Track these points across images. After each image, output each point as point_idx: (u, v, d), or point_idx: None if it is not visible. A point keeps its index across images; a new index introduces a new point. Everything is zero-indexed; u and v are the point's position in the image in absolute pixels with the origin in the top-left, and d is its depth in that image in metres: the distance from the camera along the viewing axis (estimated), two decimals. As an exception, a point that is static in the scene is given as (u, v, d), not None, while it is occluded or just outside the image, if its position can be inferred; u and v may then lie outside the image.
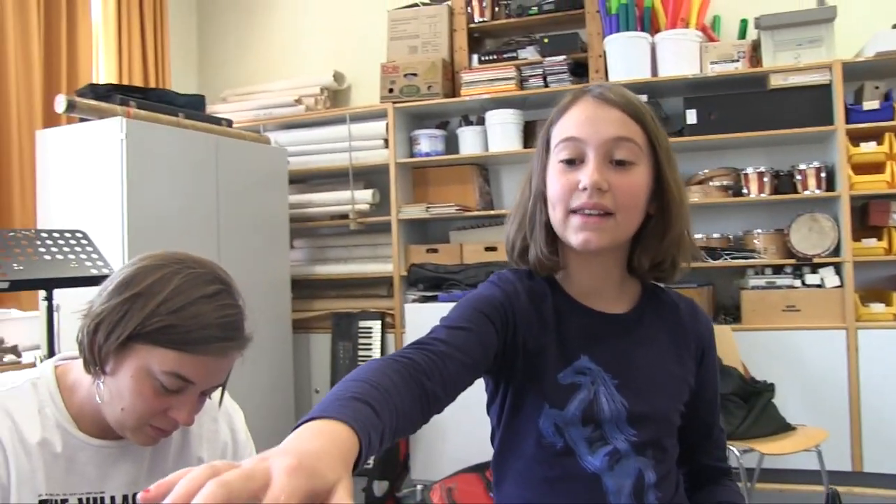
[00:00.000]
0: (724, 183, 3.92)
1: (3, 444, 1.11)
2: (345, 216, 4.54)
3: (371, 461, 4.05)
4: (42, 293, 2.53)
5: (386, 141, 4.44)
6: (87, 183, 3.28)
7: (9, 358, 3.34)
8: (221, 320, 1.11)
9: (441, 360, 1.03)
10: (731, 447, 2.98)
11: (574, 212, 1.16)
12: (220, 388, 1.26)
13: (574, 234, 1.16)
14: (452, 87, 4.43)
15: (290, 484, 0.61)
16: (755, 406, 3.17)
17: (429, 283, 4.14)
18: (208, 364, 1.13)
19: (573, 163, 1.17)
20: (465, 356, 1.07)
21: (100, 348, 1.10)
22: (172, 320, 1.08)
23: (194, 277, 1.12)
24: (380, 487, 3.72)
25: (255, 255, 3.98)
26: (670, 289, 1.36)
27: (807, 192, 3.76)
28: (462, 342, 1.08)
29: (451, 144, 4.49)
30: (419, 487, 3.76)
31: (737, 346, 3.43)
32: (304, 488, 0.61)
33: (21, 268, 2.51)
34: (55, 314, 2.55)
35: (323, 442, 0.72)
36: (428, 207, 4.35)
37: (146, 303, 1.08)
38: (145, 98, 3.58)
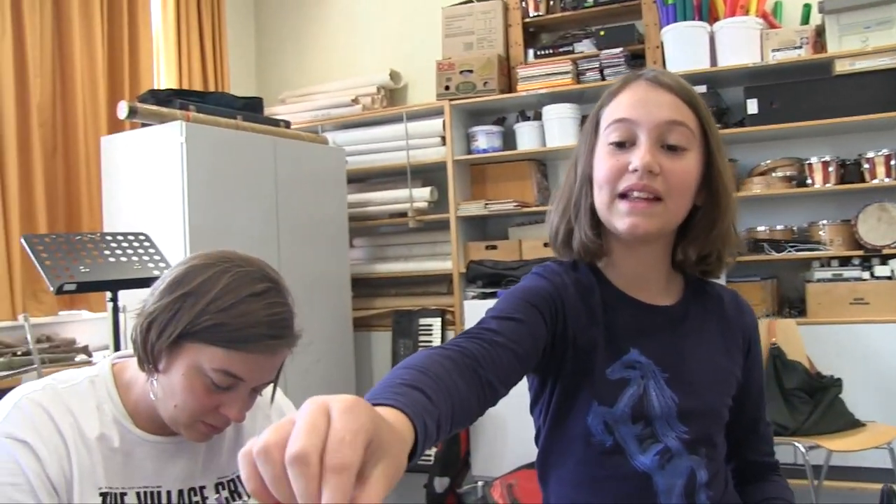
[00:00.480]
0: (788, 173, 3.82)
1: (64, 439, 1.14)
2: (403, 214, 4.56)
3: (431, 457, 4.07)
4: (108, 294, 2.61)
5: (443, 138, 4.46)
6: (149, 186, 3.37)
7: (80, 357, 3.46)
8: (270, 318, 1.12)
9: (493, 349, 1.01)
10: (795, 443, 2.92)
11: (622, 196, 1.13)
12: (272, 385, 1.28)
13: (620, 220, 1.13)
14: (508, 82, 4.41)
15: (352, 425, 0.55)
16: (821, 401, 3.09)
17: (488, 279, 4.14)
18: (258, 361, 1.14)
19: (623, 145, 1.14)
20: (518, 347, 1.05)
21: (152, 346, 1.13)
22: (221, 318, 1.09)
23: (243, 276, 1.13)
24: (441, 484, 3.74)
25: (315, 254, 4.04)
26: (712, 281, 1.33)
27: (875, 181, 3.63)
28: (513, 333, 1.06)
29: (509, 140, 4.48)
30: (480, 484, 3.76)
31: (802, 340, 3.34)
32: (365, 428, 0.56)
33: (87, 270, 2.59)
34: (121, 315, 2.63)
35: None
36: (486, 204, 4.35)
37: (196, 302, 1.10)
38: (204, 102, 3.66)
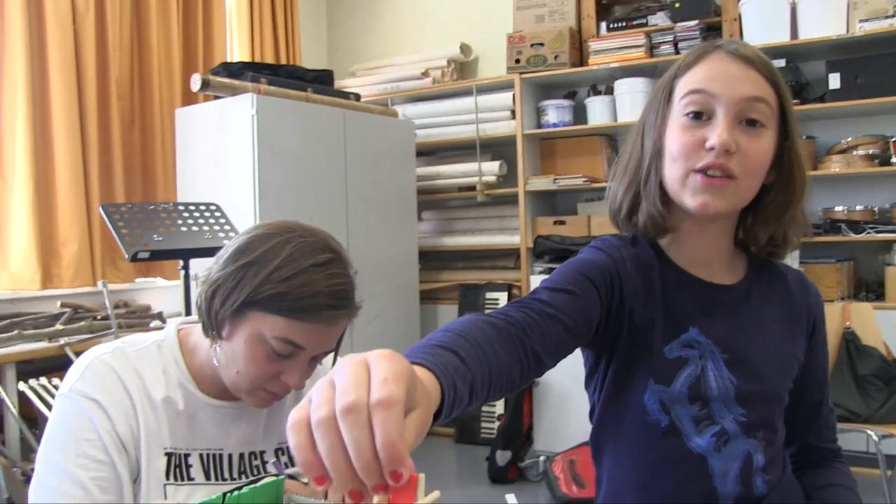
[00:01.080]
0: (870, 151, 3.66)
1: (132, 400, 1.19)
2: (472, 188, 4.56)
3: (494, 430, 4.09)
4: (180, 263, 2.69)
5: (513, 112, 4.43)
6: (221, 157, 3.44)
7: (155, 324, 3.57)
8: (330, 289, 1.13)
9: (542, 319, 0.99)
10: (868, 431, 2.83)
11: (696, 172, 1.10)
12: (333, 354, 1.29)
13: (692, 197, 1.10)
14: (580, 56, 4.34)
15: (391, 368, 0.56)
16: (898, 389, 2.98)
17: (555, 254, 4.12)
18: (318, 331, 1.15)
19: (699, 117, 1.11)
20: (568, 319, 1.03)
21: (216, 314, 1.15)
22: (283, 288, 1.11)
23: (305, 246, 1.14)
24: (503, 457, 3.76)
25: (384, 227, 4.07)
26: (776, 260, 1.28)
27: (965, 161, 3.47)
28: (565, 305, 1.04)
29: (579, 115, 4.42)
30: (542, 458, 3.77)
31: (878, 326, 3.22)
32: (405, 373, 0.57)
33: (161, 239, 2.68)
34: (192, 283, 2.71)
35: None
36: (555, 179, 4.31)
37: (258, 271, 1.12)
38: (275, 74, 3.70)
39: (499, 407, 4.27)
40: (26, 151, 3.45)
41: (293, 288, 1.11)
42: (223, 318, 1.15)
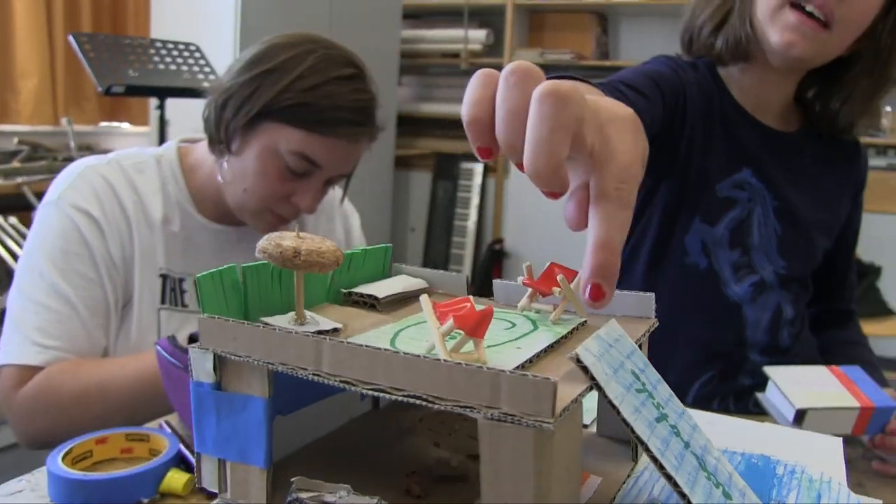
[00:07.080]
0: None
1: (128, 217, 1.12)
2: (456, 55, 4.42)
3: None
4: (154, 103, 2.57)
5: (504, -21, 4.25)
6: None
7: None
8: (355, 104, 1.08)
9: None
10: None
11: (793, 6, 1.01)
12: (345, 181, 1.24)
13: (780, 33, 1.03)
14: (579, -76, 4.16)
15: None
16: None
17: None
18: (337, 148, 1.10)
19: None
20: (644, 117, 0.97)
21: (227, 125, 1.09)
22: (306, 98, 1.05)
23: (329, 58, 1.08)
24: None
25: (363, 87, 3.95)
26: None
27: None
28: (638, 102, 0.97)
29: (573, -13, 4.26)
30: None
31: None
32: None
33: (136, 75, 2.55)
34: (166, 128, 2.60)
35: None
36: (542, 53, 4.19)
37: (279, 79, 1.06)
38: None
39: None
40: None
41: (316, 99, 1.05)
42: (234, 130, 1.08)
